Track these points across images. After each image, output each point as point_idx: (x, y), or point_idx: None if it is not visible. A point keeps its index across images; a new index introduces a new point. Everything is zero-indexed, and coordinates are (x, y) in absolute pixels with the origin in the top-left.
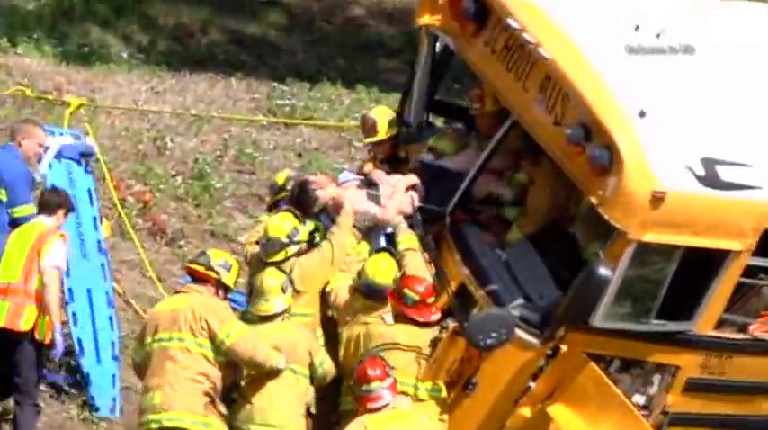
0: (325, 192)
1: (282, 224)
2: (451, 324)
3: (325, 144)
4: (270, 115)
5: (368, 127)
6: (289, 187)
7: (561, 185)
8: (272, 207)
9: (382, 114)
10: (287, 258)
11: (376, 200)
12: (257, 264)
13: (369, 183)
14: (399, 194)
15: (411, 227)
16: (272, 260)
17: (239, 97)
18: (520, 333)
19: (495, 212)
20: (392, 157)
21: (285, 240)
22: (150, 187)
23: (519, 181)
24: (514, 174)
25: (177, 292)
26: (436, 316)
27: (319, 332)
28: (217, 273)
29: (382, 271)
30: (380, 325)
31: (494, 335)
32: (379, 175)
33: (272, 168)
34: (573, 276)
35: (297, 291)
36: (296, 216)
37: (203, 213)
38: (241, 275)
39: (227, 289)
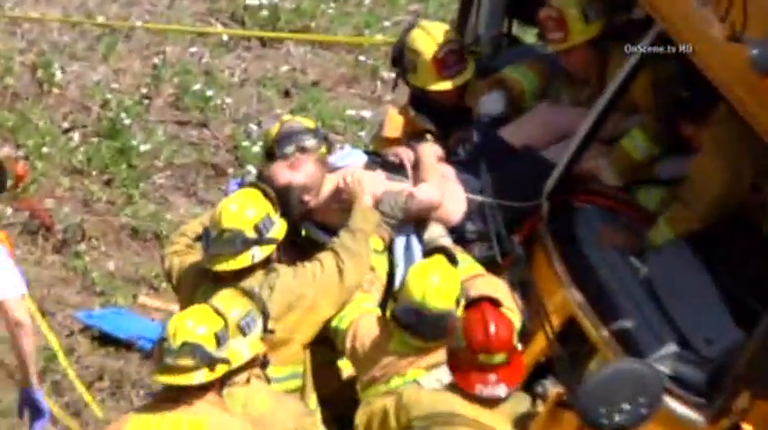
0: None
1: (245, 208)
2: (552, 388)
3: (330, 74)
4: (234, 24)
5: (407, 60)
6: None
7: (747, 153)
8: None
9: (433, 34)
10: (251, 267)
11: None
12: (192, 283)
13: (385, 164)
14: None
15: (464, 240)
16: (222, 268)
17: None
18: (671, 403)
19: (625, 197)
20: (449, 114)
21: (251, 235)
22: (25, 152)
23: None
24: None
25: (156, 407)
26: (519, 380)
27: (314, 403)
28: (226, 361)
29: (439, 288)
30: (428, 387)
31: (626, 408)
32: (401, 153)
33: (239, 118)
34: (765, 305)
35: (271, 332)
36: (267, 196)
37: (118, 196)
38: None
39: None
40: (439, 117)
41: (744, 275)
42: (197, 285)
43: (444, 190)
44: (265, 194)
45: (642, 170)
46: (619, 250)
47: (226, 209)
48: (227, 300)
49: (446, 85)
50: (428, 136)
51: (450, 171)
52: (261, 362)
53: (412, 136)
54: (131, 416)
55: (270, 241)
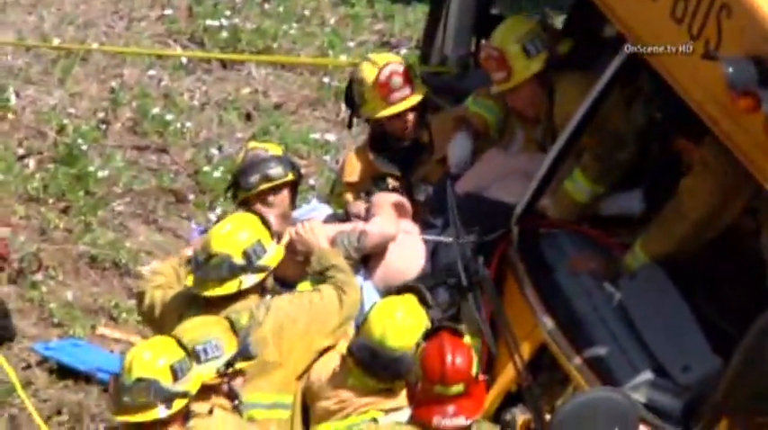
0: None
1: (236, 232)
2: (521, 416)
3: (293, 97)
4: (193, 46)
5: (356, 93)
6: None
7: (737, 176)
8: (243, 207)
9: (376, 62)
10: (238, 293)
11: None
12: (178, 313)
13: (348, 219)
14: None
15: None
16: (208, 294)
17: (138, 14)
18: None
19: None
20: (408, 151)
21: (238, 261)
22: None
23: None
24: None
25: None
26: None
27: None
28: (185, 395)
29: (401, 326)
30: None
31: None
32: (362, 209)
33: (200, 142)
34: (743, 331)
35: (238, 372)
36: (263, 222)
37: (75, 224)
38: None
39: None
40: (399, 155)
41: (720, 301)
42: (182, 315)
43: (397, 228)
44: (262, 220)
45: (586, 208)
46: (591, 276)
47: (217, 232)
48: (197, 326)
49: (393, 110)
50: (389, 180)
51: (408, 225)
52: (227, 393)
53: (373, 179)
54: None
55: (259, 269)
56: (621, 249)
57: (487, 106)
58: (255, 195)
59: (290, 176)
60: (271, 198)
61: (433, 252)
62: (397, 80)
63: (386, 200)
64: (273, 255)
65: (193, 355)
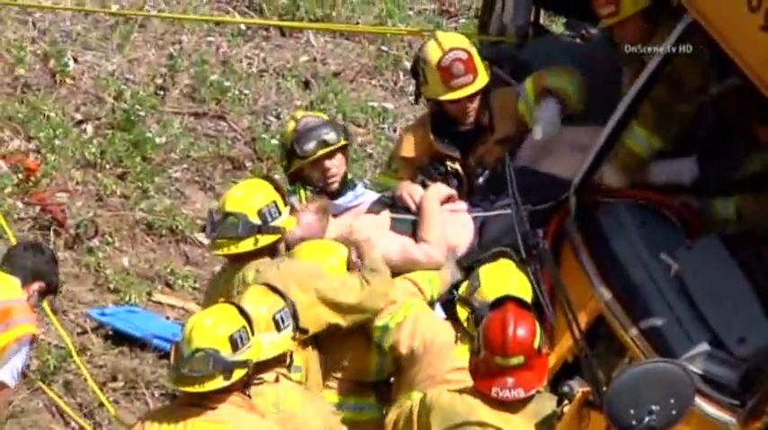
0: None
1: (251, 194)
2: (579, 388)
3: (351, 65)
4: (252, 13)
5: (420, 71)
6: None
7: None
8: (295, 178)
9: (442, 42)
10: (255, 253)
11: (406, 227)
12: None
13: (394, 204)
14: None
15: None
16: (223, 252)
17: None
18: (703, 404)
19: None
20: (469, 133)
21: (255, 220)
22: (37, 145)
23: None
24: None
25: (178, 412)
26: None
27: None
28: (244, 365)
29: (519, 288)
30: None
31: (656, 409)
32: (406, 196)
33: (257, 110)
34: None
35: (304, 332)
36: (277, 188)
37: (132, 190)
38: None
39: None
40: (459, 137)
41: None
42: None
43: (445, 238)
44: (275, 186)
45: (644, 164)
46: (650, 247)
47: (232, 194)
48: (258, 296)
49: (453, 96)
50: (448, 162)
51: (460, 205)
52: (286, 361)
53: (431, 159)
54: (148, 426)
55: (274, 230)
56: (684, 212)
57: (568, 80)
58: (311, 162)
59: (343, 141)
60: (327, 163)
61: (480, 228)
62: (460, 67)
63: (435, 196)
64: (287, 219)
65: (274, 323)
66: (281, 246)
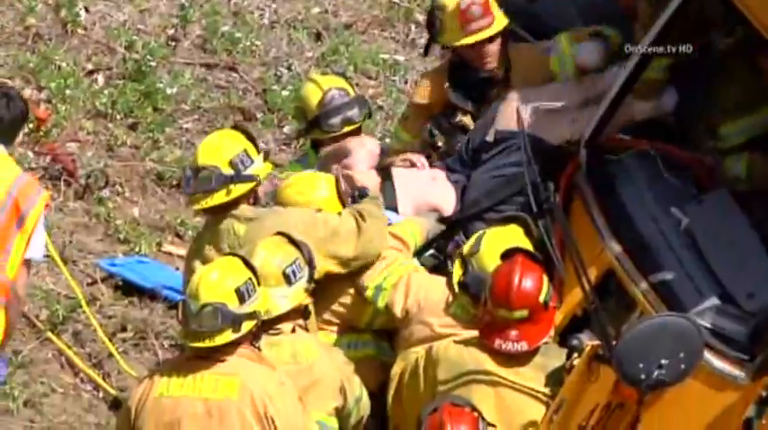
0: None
1: (220, 144)
2: (588, 342)
3: (363, 17)
4: None
5: (436, 19)
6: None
7: None
8: (316, 146)
9: None
10: (232, 202)
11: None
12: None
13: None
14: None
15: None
16: (200, 206)
17: None
18: (711, 359)
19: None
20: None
21: (227, 171)
22: (47, 94)
23: None
24: None
25: (188, 365)
26: (542, 338)
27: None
28: (253, 316)
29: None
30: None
31: (665, 363)
32: (411, 159)
33: (269, 61)
34: None
35: (317, 283)
36: (248, 136)
37: (143, 141)
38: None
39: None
40: (475, 89)
41: None
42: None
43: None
44: (246, 135)
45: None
46: (660, 202)
47: (202, 147)
48: (272, 247)
49: (470, 40)
50: (458, 113)
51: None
52: (303, 312)
53: (444, 108)
54: (158, 380)
55: (248, 178)
56: (697, 163)
57: (613, 30)
58: (332, 137)
59: (365, 115)
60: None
61: (463, 191)
62: (477, 10)
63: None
64: (261, 166)
65: (284, 277)
66: (261, 193)
